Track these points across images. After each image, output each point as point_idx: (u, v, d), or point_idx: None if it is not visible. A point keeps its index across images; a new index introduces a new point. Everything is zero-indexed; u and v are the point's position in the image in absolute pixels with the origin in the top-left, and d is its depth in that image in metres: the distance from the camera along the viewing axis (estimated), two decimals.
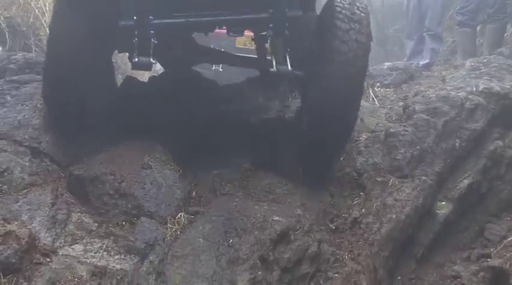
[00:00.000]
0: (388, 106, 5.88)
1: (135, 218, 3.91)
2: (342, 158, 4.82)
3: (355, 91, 4.17)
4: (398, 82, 6.73)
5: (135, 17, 3.81)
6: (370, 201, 4.49)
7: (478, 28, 8.00)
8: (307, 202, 4.36)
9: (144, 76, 6.35)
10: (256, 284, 3.65)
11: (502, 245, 4.46)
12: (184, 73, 5.26)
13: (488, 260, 4.31)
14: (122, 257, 3.60)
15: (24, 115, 4.44)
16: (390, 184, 4.58)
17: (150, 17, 3.84)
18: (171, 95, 4.86)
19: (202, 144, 4.57)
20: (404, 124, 5.15)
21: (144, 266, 3.60)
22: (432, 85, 6.13)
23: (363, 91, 4.36)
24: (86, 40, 4.09)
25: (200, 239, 3.82)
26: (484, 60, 6.35)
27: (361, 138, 5.02)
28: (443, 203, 4.75)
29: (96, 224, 3.82)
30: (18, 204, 3.79)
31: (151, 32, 3.86)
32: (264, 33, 4.18)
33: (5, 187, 3.93)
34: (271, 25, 4.00)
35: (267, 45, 4.35)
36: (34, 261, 3.25)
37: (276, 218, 3.97)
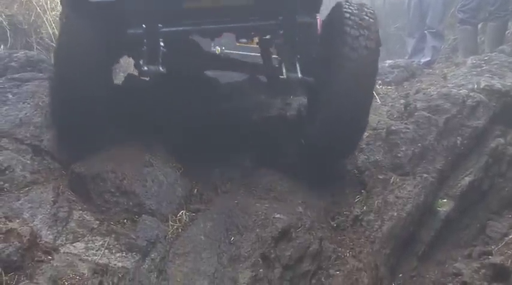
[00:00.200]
0: (390, 103, 5.87)
1: (136, 216, 3.92)
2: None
3: (365, 97, 4.15)
4: (399, 80, 6.73)
5: (143, 25, 3.79)
6: (372, 199, 4.50)
7: (480, 26, 7.99)
8: (308, 200, 4.36)
9: None
10: (258, 282, 3.66)
11: (504, 243, 4.46)
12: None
13: (490, 257, 4.31)
14: (124, 254, 3.61)
15: (26, 113, 4.43)
16: (391, 182, 4.58)
17: (159, 25, 3.81)
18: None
19: (204, 142, 4.56)
20: (405, 121, 5.15)
21: (146, 263, 3.60)
22: (433, 83, 6.13)
23: (373, 96, 4.34)
24: (93, 51, 4.05)
25: (201, 237, 3.82)
26: (486, 58, 6.35)
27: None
28: (445, 200, 4.76)
29: (98, 222, 3.82)
30: (20, 202, 3.79)
31: (160, 40, 3.84)
32: (267, 37, 4.17)
33: (6, 185, 3.92)
34: (281, 32, 4.00)
35: (272, 50, 4.35)
36: (36, 259, 3.24)
37: (278, 215, 3.97)
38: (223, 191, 4.39)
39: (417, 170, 4.72)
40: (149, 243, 3.69)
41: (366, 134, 5.00)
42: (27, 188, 3.94)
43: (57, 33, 6.40)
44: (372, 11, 4.18)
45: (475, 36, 7.82)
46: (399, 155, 4.80)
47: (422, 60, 7.61)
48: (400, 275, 4.42)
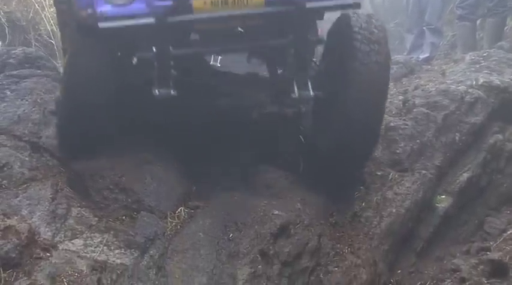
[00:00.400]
0: (388, 100, 5.85)
1: (135, 213, 3.92)
2: None
3: (376, 112, 4.08)
4: (398, 76, 6.70)
5: (154, 49, 3.75)
6: (370, 195, 4.50)
7: (478, 22, 7.97)
8: (307, 197, 4.35)
9: None
10: (257, 278, 3.66)
11: (502, 239, 4.47)
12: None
13: (488, 253, 4.31)
14: (122, 251, 3.61)
15: (24, 110, 4.43)
16: (390, 178, 4.59)
17: (170, 48, 3.76)
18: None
19: (203, 139, 4.56)
20: (404, 118, 5.15)
21: (145, 260, 3.60)
22: (432, 79, 6.12)
23: (384, 110, 4.25)
24: (102, 75, 3.98)
25: (200, 234, 3.82)
26: (484, 54, 6.34)
27: None
28: (443, 196, 4.76)
29: (96, 219, 3.82)
30: (18, 199, 3.79)
31: (172, 62, 3.79)
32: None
33: (4, 181, 3.92)
34: (292, 50, 3.96)
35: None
36: (34, 256, 3.25)
37: (276, 212, 3.98)
38: (222, 188, 4.38)
39: (416, 167, 4.72)
40: (148, 240, 3.70)
41: None
42: (25, 185, 3.95)
43: (55, 30, 6.41)
44: (380, 23, 4.08)
45: (473, 33, 7.80)
46: (398, 151, 4.80)
47: (421, 57, 7.59)
48: (399, 271, 4.42)
